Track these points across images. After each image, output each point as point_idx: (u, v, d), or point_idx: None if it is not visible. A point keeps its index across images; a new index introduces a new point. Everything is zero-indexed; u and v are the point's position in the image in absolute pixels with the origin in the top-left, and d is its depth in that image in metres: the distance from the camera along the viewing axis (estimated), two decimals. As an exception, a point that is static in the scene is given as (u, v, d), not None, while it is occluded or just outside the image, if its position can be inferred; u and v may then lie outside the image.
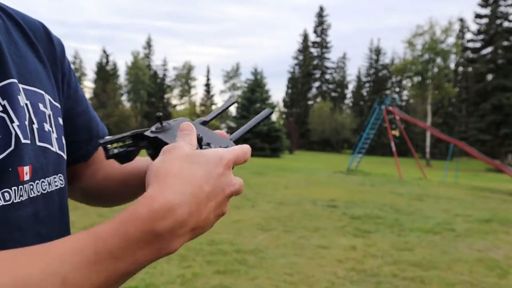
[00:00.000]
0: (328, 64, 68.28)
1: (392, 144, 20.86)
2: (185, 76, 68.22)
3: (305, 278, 4.23)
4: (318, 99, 65.32)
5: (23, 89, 0.60)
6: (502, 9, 42.58)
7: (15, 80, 0.58)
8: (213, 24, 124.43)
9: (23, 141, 0.56)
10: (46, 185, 0.61)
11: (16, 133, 0.55)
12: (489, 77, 42.12)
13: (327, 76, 68.45)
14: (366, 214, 7.74)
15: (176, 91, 69.75)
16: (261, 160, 26.00)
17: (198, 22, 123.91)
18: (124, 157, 0.64)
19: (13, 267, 0.40)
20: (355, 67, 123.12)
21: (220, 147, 0.60)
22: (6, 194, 0.53)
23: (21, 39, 0.65)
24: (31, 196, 0.58)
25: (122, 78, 67.99)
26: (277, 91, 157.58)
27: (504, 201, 11.25)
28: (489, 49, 43.42)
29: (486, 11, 43.68)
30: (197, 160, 0.49)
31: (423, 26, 40.93)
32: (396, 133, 48.92)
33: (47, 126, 0.63)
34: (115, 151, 0.62)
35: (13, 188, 0.54)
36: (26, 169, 0.57)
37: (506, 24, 42.50)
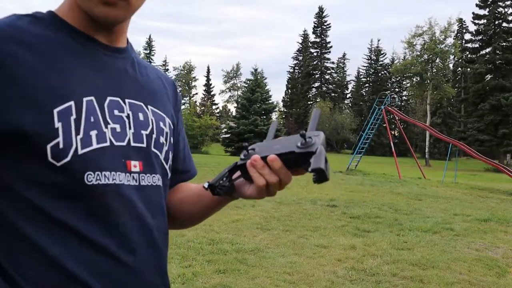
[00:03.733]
0: (327, 64, 68.30)
1: (392, 144, 20.90)
2: (185, 76, 68.15)
3: (304, 277, 4.26)
4: (318, 99, 65.33)
5: (151, 109, 0.85)
6: (500, 10, 42.61)
7: (141, 103, 0.83)
8: (213, 24, 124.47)
9: (132, 144, 0.78)
10: (156, 179, 0.83)
11: (129, 137, 0.78)
12: (488, 77, 42.16)
13: (327, 77, 68.47)
14: (366, 214, 7.77)
15: (175, 91, 69.67)
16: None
17: (198, 22, 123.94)
18: (228, 189, 0.78)
19: None
20: (355, 67, 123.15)
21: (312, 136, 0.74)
22: (120, 175, 0.75)
23: (159, 84, 0.92)
24: (141, 184, 0.79)
25: (122, 78, 67.88)
26: (277, 91, 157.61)
27: (502, 200, 11.28)
28: (487, 50, 43.45)
29: (485, 12, 43.71)
30: None
31: (422, 26, 41.02)
32: (395, 133, 48.97)
33: (162, 139, 0.85)
34: (220, 188, 0.77)
35: (123, 173, 0.76)
36: (135, 163, 0.78)
37: (504, 24, 42.54)
